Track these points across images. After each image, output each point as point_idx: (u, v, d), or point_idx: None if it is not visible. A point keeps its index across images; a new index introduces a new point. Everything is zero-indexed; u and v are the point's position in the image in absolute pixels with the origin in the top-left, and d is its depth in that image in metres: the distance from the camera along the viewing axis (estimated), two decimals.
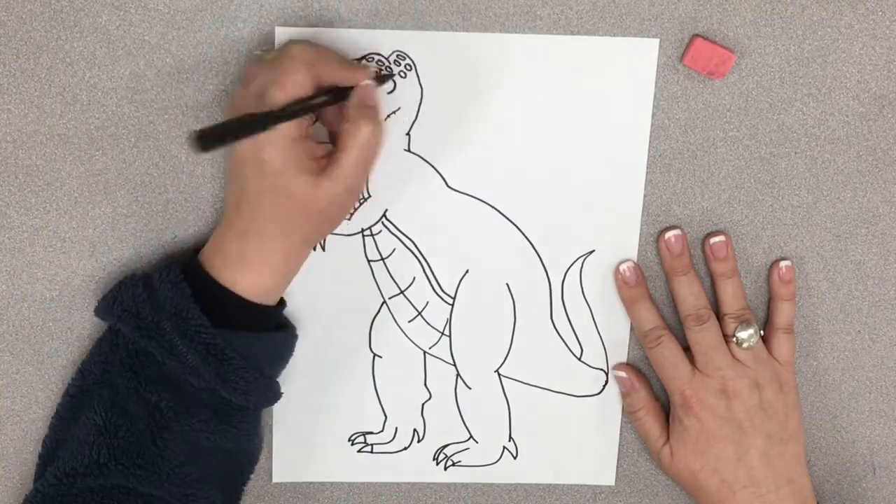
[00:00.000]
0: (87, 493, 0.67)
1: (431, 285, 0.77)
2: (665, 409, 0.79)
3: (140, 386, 0.68)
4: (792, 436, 0.77)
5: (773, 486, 0.76)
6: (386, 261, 0.76)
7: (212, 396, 0.69)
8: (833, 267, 0.79)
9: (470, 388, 0.79)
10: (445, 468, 0.81)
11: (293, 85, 0.65)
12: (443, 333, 0.78)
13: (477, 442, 0.80)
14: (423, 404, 0.80)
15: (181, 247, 0.75)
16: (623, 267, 0.77)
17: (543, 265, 0.77)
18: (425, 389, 0.79)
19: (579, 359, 0.79)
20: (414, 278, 0.77)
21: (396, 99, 0.73)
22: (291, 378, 0.76)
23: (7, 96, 0.72)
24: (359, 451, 0.80)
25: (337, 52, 0.69)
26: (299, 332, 0.75)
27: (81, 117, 0.72)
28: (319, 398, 0.79)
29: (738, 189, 0.76)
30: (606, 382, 0.80)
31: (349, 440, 0.80)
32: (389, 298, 0.77)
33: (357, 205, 0.75)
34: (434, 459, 0.81)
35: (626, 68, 0.73)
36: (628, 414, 0.80)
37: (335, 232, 0.74)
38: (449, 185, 0.75)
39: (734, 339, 0.75)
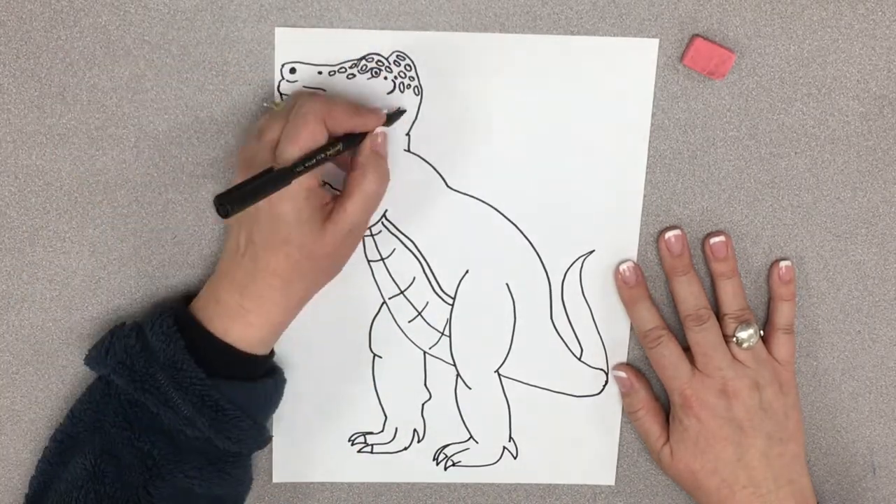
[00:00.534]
0: None
1: (431, 285, 0.77)
2: (665, 409, 0.79)
3: (134, 435, 0.68)
4: (792, 436, 0.77)
5: (773, 486, 0.76)
6: (386, 261, 0.76)
7: (205, 445, 0.69)
8: (833, 267, 0.78)
9: (470, 389, 0.79)
10: (445, 468, 0.81)
11: (307, 138, 0.65)
12: (443, 333, 0.78)
13: (477, 442, 0.80)
14: (423, 404, 0.80)
15: (181, 247, 0.75)
16: (623, 267, 0.77)
17: (543, 265, 0.77)
18: (425, 389, 0.79)
19: (579, 359, 0.79)
20: (414, 278, 0.77)
21: (397, 99, 0.73)
22: (291, 378, 0.76)
23: (7, 96, 0.71)
24: (359, 451, 0.80)
25: (347, 100, 0.69)
26: (299, 333, 0.75)
27: (81, 117, 0.72)
28: (319, 398, 0.79)
29: (738, 189, 0.76)
30: (606, 382, 0.80)
31: (349, 440, 0.80)
32: (389, 298, 0.77)
33: None
34: (434, 459, 0.81)
35: (626, 68, 0.73)
36: (628, 414, 0.80)
37: None
38: (449, 185, 0.75)
39: (734, 339, 0.75)
